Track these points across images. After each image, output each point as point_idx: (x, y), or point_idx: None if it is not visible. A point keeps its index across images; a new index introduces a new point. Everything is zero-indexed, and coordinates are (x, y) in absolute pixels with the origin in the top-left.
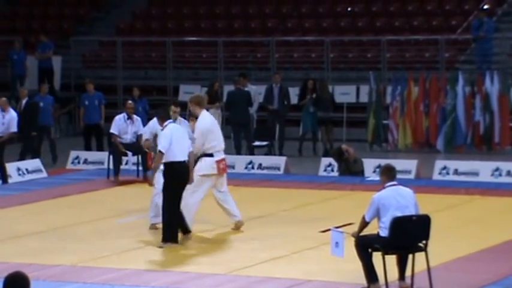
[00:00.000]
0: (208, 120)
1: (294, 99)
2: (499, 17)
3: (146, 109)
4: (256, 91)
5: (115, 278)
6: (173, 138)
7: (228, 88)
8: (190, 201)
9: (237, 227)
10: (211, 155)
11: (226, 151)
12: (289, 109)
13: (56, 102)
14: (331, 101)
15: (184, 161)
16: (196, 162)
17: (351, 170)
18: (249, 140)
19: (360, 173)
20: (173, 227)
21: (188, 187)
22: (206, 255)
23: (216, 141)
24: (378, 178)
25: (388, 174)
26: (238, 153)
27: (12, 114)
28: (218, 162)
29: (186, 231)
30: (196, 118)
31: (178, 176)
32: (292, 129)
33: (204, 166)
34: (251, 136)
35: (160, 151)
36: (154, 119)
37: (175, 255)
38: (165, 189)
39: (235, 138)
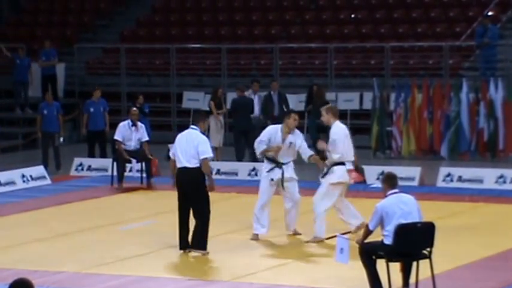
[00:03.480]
0: (341, 130)
1: (298, 106)
2: (503, 23)
3: (146, 113)
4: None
5: (118, 285)
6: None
7: (230, 95)
8: (321, 209)
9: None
10: (343, 164)
11: (229, 158)
12: None
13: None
14: None
15: None
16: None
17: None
18: (251, 147)
19: (362, 181)
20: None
21: (319, 195)
22: (210, 262)
23: (349, 151)
24: (381, 185)
25: (390, 182)
26: (240, 160)
27: None
28: (349, 171)
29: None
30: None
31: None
32: None
33: (342, 176)
34: (252, 143)
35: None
36: (274, 126)
37: (179, 262)
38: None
39: (237, 145)
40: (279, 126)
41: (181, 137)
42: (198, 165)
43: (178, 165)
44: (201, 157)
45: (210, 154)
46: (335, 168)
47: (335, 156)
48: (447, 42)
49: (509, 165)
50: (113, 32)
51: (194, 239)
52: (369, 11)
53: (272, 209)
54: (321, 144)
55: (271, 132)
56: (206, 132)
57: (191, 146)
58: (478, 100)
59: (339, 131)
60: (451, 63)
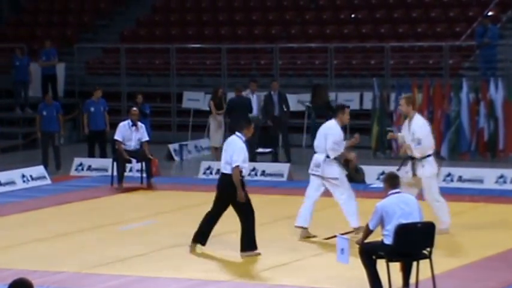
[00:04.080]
0: (425, 125)
1: (297, 106)
2: (503, 23)
3: (146, 114)
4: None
5: (118, 285)
6: None
7: (231, 95)
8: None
9: None
10: (430, 156)
11: None
12: (289, 115)
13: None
14: (327, 108)
15: None
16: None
17: (352, 179)
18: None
19: (362, 182)
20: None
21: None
22: (210, 262)
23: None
24: (381, 185)
25: (391, 182)
26: None
27: None
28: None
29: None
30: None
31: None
32: (293, 136)
33: (433, 167)
34: (250, 143)
35: None
36: (336, 125)
37: (179, 262)
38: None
39: None
40: (335, 122)
41: (226, 143)
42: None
43: (221, 170)
44: (232, 165)
45: (239, 163)
46: (424, 161)
47: (418, 153)
48: (447, 42)
49: (510, 165)
50: (113, 32)
51: (243, 242)
52: (369, 11)
53: (274, 211)
54: (401, 140)
55: (340, 132)
56: (206, 132)
57: (229, 153)
58: (478, 100)
59: (424, 129)
60: (451, 63)
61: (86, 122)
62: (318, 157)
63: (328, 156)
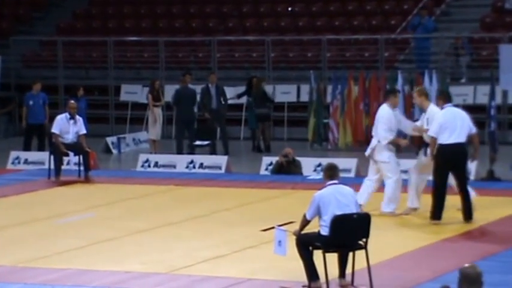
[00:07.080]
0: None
1: (234, 100)
2: (437, 16)
3: (85, 108)
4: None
5: (56, 279)
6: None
7: (169, 88)
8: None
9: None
10: None
11: (168, 150)
12: (227, 108)
13: None
14: (264, 98)
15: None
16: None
17: (290, 171)
18: (191, 139)
19: (299, 173)
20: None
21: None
22: (147, 254)
23: None
24: (318, 177)
25: (328, 173)
26: (180, 152)
27: None
28: None
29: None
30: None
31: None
32: (230, 129)
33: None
34: (193, 135)
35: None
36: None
37: (116, 255)
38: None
39: (178, 137)
40: (386, 107)
41: (448, 114)
42: (464, 140)
43: (451, 140)
44: (472, 132)
45: (475, 129)
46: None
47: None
48: (383, 35)
49: None
50: (49, 25)
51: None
52: (305, 4)
53: (212, 203)
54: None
55: (390, 116)
56: (144, 125)
57: (464, 122)
58: (413, 92)
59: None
60: (387, 56)
61: (24, 115)
62: (372, 141)
63: (379, 141)
